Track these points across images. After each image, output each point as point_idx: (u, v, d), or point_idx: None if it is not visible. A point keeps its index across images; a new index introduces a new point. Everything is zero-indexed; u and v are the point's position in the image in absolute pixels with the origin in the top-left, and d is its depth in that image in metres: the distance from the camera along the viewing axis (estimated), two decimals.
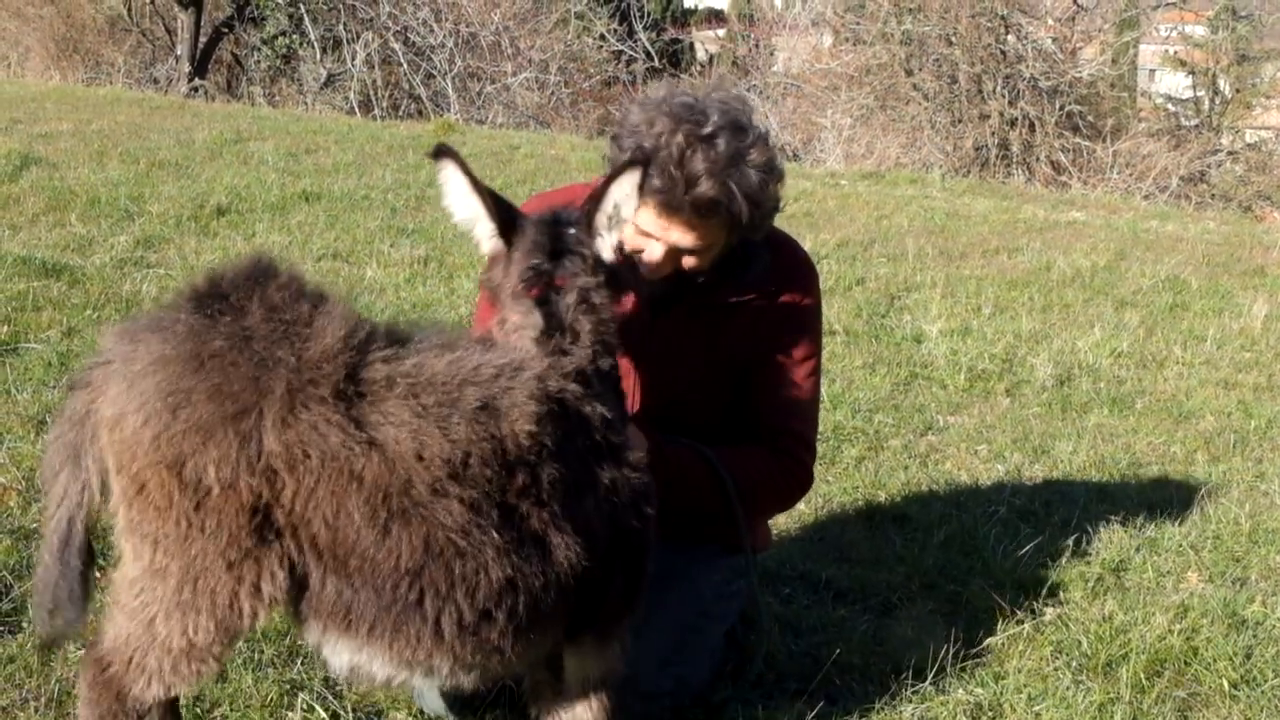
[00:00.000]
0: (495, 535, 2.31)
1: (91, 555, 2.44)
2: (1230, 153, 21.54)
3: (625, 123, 2.99)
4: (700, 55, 31.01)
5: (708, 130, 2.90)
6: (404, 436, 2.25)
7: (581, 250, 2.63)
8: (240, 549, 2.26)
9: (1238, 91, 23.00)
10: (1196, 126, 22.15)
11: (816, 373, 3.36)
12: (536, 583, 2.39)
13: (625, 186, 2.60)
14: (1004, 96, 19.41)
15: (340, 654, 2.43)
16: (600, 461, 2.51)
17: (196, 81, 20.49)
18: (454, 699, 3.06)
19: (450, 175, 2.60)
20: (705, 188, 2.87)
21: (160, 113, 13.40)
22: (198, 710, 3.04)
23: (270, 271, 2.36)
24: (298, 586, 2.33)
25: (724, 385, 3.26)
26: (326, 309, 2.33)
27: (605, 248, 2.66)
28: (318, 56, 21.18)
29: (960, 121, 19.79)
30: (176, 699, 2.46)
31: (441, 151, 2.61)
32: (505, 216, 2.65)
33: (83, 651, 2.98)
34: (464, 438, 2.27)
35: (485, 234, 2.67)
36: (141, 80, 20.54)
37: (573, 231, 2.65)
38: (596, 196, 2.63)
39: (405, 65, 21.09)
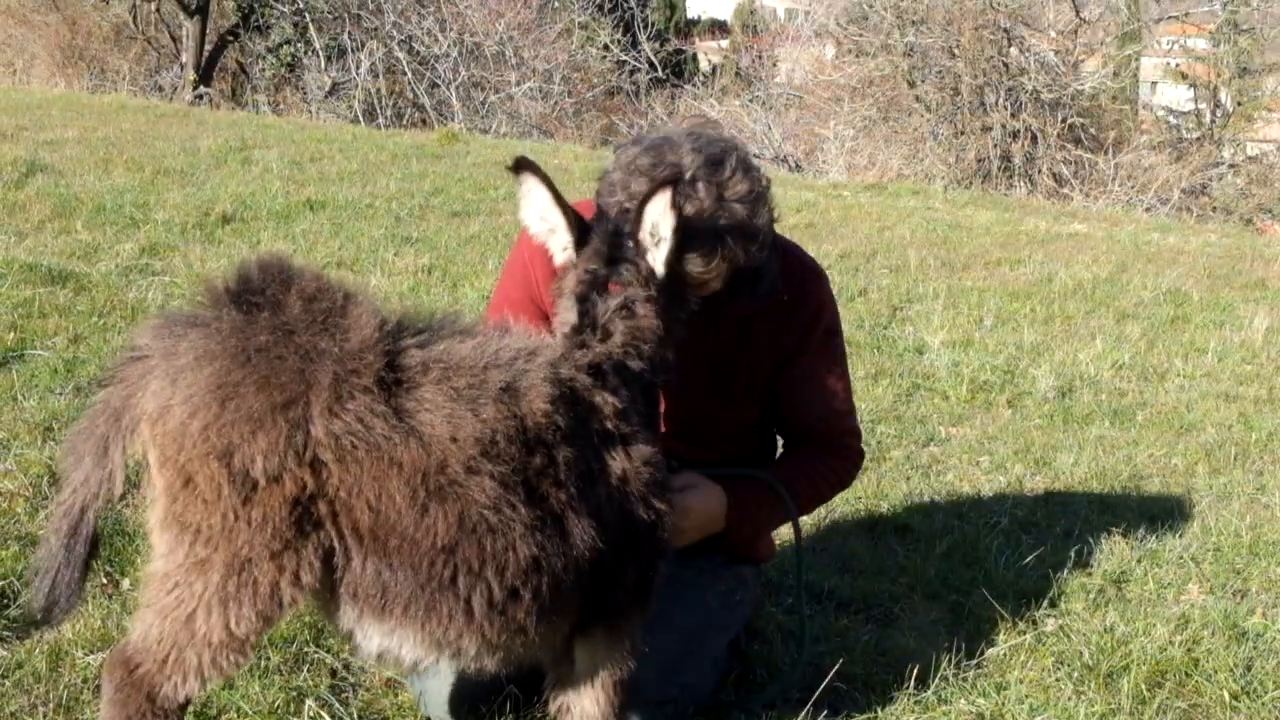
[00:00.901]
0: (522, 511, 2.39)
1: (96, 547, 2.45)
2: (1231, 165, 21.59)
3: (606, 179, 2.98)
4: (703, 66, 31.11)
5: (685, 180, 2.86)
6: (439, 421, 2.32)
7: (637, 261, 2.72)
8: (282, 539, 2.31)
9: (1239, 104, 23.03)
10: (1198, 139, 22.19)
11: (845, 367, 3.46)
12: (558, 563, 2.47)
13: (658, 206, 2.67)
14: (1006, 109, 19.48)
15: (372, 637, 2.48)
16: (610, 449, 2.58)
17: (201, 89, 20.56)
18: (458, 704, 3.08)
19: (532, 188, 2.73)
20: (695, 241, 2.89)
21: (165, 120, 13.44)
22: (205, 716, 3.05)
23: (291, 267, 2.41)
24: (333, 571, 2.38)
25: (741, 400, 3.31)
26: (358, 299, 2.39)
27: (658, 262, 2.73)
28: (322, 65, 21.26)
29: (962, 133, 19.85)
30: (187, 703, 2.47)
31: (522, 165, 2.71)
32: (582, 231, 2.75)
33: (104, 655, 2.99)
34: (491, 417, 2.36)
35: (560, 245, 2.77)
36: (146, 88, 20.63)
37: (632, 243, 2.73)
38: (634, 220, 2.70)
39: (409, 74, 21.17)
